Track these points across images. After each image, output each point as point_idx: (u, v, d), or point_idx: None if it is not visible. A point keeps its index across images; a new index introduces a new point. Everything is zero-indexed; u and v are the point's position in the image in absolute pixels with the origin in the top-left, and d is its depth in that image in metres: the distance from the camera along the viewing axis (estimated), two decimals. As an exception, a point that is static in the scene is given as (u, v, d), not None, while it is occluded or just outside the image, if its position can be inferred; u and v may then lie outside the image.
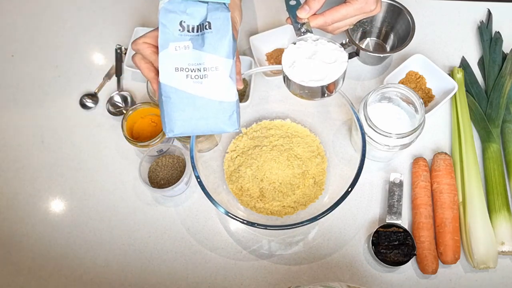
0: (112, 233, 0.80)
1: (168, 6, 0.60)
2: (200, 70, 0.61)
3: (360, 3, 0.71)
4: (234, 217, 0.67)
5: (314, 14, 0.70)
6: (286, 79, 0.66)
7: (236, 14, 0.71)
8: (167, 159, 0.81)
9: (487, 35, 0.93)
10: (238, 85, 0.64)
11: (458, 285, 0.74)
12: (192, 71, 0.61)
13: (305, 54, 0.65)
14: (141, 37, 0.64)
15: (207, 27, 0.61)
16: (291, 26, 0.91)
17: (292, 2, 0.71)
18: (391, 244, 0.73)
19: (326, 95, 0.66)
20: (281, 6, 0.99)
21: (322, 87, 0.64)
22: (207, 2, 0.61)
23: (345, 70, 0.64)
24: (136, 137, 0.82)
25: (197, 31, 0.61)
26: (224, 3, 0.61)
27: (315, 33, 0.68)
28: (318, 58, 0.65)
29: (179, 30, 0.60)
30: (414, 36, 0.83)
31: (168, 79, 0.61)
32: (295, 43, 0.66)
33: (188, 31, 0.61)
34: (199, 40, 0.61)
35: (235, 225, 0.79)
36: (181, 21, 0.60)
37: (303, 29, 0.68)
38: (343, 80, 0.66)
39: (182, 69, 0.61)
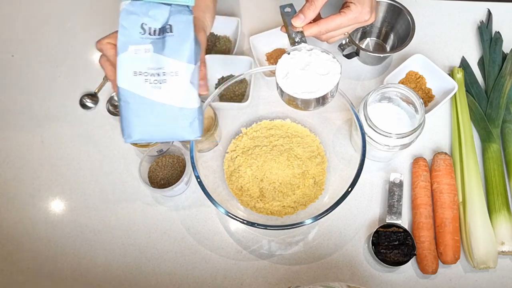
0: (112, 233, 0.80)
1: (129, 8, 0.58)
2: (159, 75, 0.59)
3: (354, 13, 0.71)
4: (234, 217, 0.67)
5: (309, 23, 0.70)
6: (279, 89, 0.66)
7: (207, 16, 0.69)
8: (167, 159, 0.81)
9: (487, 35, 0.93)
10: (201, 91, 0.62)
11: (458, 285, 0.74)
12: (151, 75, 0.58)
13: (298, 65, 0.65)
14: (105, 36, 0.61)
15: (168, 30, 0.58)
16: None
17: (287, 10, 0.70)
18: (391, 244, 0.73)
19: (319, 105, 0.66)
20: (281, 6, 0.99)
21: (315, 98, 0.64)
22: (170, 4, 0.58)
23: (338, 82, 0.65)
24: (136, 137, 0.82)
25: (159, 34, 0.59)
26: (188, 6, 0.59)
27: (309, 42, 0.68)
28: (311, 69, 0.65)
29: (140, 32, 0.58)
30: (414, 36, 0.83)
31: (127, 84, 0.59)
32: (289, 53, 0.66)
33: (150, 34, 0.58)
34: (160, 43, 0.58)
35: (235, 225, 0.80)
36: (142, 24, 0.58)
37: (297, 39, 0.68)
38: (337, 90, 0.67)
39: (141, 73, 0.58)
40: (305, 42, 0.68)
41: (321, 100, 0.65)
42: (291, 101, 0.66)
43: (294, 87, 0.64)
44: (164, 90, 0.58)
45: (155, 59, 0.58)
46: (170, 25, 0.58)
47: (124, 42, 0.58)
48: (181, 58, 0.58)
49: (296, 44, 0.67)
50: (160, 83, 0.58)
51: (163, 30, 0.58)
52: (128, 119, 0.60)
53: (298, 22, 0.69)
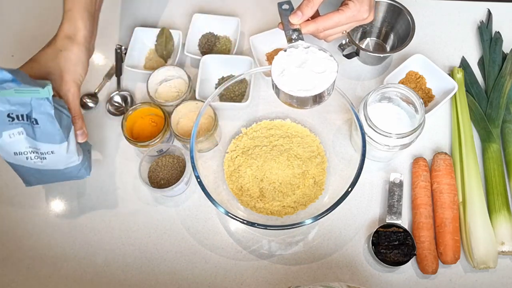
0: (112, 233, 0.80)
1: None
2: (37, 153, 0.66)
3: (352, 11, 0.70)
4: (234, 217, 0.67)
5: (306, 20, 0.69)
6: (275, 87, 0.66)
7: (79, 68, 0.72)
8: (167, 159, 0.81)
9: (487, 35, 0.93)
10: (80, 140, 0.71)
11: (458, 285, 0.74)
12: (31, 153, 0.66)
13: (295, 63, 0.64)
14: None
15: (34, 122, 0.64)
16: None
17: (285, 7, 0.70)
18: (391, 244, 0.73)
19: (315, 104, 0.66)
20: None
21: (311, 97, 0.63)
22: (30, 97, 0.62)
23: (335, 80, 0.64)
24: (136, 137, 0.82)
25: (27, 120, 0.63)
26: (47, 98, 0.63)
27: (306, 40, 0.67)
28: (307, 67, 0.64)
29: (9, 121, 0.63)
30: (414, 36, 0.83)
31: (12, 160, 0.67)
32: (285, 50, 0.66)
33: (19, 119, 0.63)
34: (30, 129, 0.64)
35: (235, 225, 0.80)
36: (8, 113, 0.62)
37: (294, 36, 0.67)
38: (333, 88, 0.66)
39: (21, 153, 0.66)
40: (302, 39, 0.67)
41: (318, 99, 0.65)
42: (287, 99, 0.65)
43: (290, 85, 0.63)
44: (46, 162, 0.68)
45: (30, 142, 0.65)
46: (35, 119, 0.63)
47: None
48: (53, 142, 0.66)
49: (293, 41, 0.67)
50: (41, 159, 0.67)
51: (30, 119, 0.64)
52: (23, 176, 0.72)
53: (295, 19, 0.68)
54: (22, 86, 0.61)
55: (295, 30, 0.68)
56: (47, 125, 0.64)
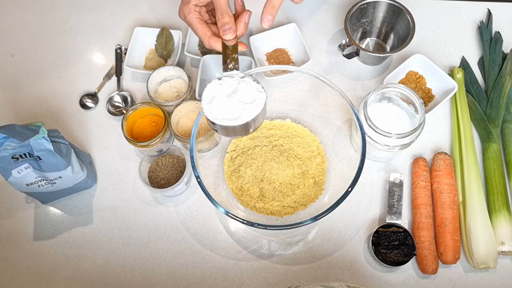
0: (112, 233, 0.80)
1: None
2: (47, 180, 0.73)
3: None
4: (234, 217, 0.67)
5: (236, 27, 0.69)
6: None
7: None
8: (167, 159, 0.81)
9: (487, 35, 0.93)
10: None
11: (458, 285, 0.74)
12: (41, 181, 0.73)
13: (225, 92, 0.65)
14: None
15: (37, 159, 0.69)
16: (291, 26, 0.92)
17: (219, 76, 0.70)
18: (391, 244, 0.73)
19: (237, 134, 0.67)
20: (282, 5, 0.99)
21: (233, 127, 0.64)
22: (29, 141, 0.68)
23: (261, 111, 0.64)
24: (136, 137, 0.82)
25: (30, 157, 0.69)
26: (43, 137, 0.68)
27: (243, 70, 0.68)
28: (236, 97, 0.65)
29: (14, 161, 0.68)
30: (414, 36, 0.83)
31: (25, 189, 0.74)
32: (220, 79, 0.66)
33: (22, 158, 0.69)
34: (35, 164, 0.70)
35: (235, 225, 0.80)
36: (12, 155, 0.68)
37: (230, 65, 0.67)
38: (263, 119, 0.67)
39: (32, 183, 0.73)
40: (237, 69, 0.67)
41: (241, 129, 0.65)
42: (212, 125, 0.66)
43: (216, 113, 0.64)
44: (56, 186, 0.75)
45: (38, 173, 0.72)
46: (38, 156, 0.69)
47: (6, 171, 0.70)
48: (58, 169, 0.72)
49: (229, 70, 0.67)
50: (51, 184, 0.74)
51: (33, 156, 0.69)
52: (38, 198, 0.79)
53: (230, 36, 0.68)
54: (17, 142, 0.67)
55: (231, 60, 0.68)
56: (50, 158, 0.70)
